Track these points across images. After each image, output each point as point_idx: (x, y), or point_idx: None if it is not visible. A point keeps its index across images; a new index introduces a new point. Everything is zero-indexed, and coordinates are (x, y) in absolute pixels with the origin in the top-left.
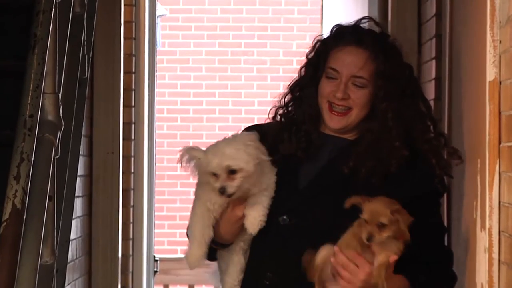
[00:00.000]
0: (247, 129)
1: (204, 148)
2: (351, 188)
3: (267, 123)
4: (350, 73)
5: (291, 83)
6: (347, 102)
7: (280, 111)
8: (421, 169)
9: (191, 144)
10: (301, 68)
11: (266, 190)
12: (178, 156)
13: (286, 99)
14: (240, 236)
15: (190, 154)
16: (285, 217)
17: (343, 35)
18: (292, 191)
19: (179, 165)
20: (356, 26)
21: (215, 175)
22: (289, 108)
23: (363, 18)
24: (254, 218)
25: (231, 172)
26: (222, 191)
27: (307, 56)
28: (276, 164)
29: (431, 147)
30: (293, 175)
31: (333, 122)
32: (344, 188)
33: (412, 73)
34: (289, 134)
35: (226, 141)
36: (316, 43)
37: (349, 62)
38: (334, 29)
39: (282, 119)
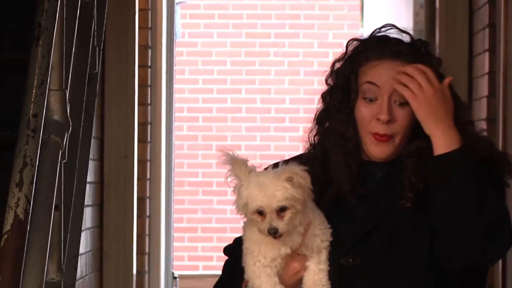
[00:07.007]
0: (288, 161)
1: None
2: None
3: (307, 153)
4: (391, 86)
5: (318, 116)
6: (391, 128)
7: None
8: None
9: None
10: (325, 95)
11: (322, 235)
12: (219, 160)
13: (315, 138)
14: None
15: (234, 170)
16: (347, 257)
17: (372, 48)
18: (349, 223)
19: (220, 173)
20: (386, 37)
21: (260, 213)
22: (323, 148)
23: (384, 26)
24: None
25: (281, 210)
26: (272, 232)
27: (326, 81)
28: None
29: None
30: (346, 206)
31: (378, 150)
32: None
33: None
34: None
35: (271, 173)
36: (335, 63)
37: (388, 77)
38: (355, 44)
39: (318, 166)
